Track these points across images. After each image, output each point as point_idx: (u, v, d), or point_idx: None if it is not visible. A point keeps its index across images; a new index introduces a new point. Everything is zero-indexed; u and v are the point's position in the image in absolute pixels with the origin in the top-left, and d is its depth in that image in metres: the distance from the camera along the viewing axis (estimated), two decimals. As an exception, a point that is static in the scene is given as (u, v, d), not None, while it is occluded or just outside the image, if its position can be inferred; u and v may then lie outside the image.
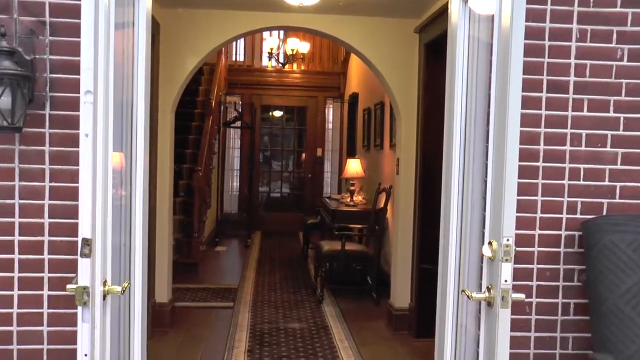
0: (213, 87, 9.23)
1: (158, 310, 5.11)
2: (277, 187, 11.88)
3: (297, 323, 5.51)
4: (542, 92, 2.75)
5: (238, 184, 11.58)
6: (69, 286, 2.08)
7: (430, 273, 5.09)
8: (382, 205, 6.62)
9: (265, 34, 11.27)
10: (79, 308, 2.05)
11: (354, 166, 7.05)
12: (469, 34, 2.72)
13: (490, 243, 2.20)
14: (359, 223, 6.81)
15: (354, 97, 9.78)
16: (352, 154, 10.58)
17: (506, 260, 2.13)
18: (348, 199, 7.19)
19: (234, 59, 11.56)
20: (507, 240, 2.13)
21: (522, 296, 2.26)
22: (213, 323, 5.49)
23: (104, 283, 2.17)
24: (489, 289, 2.22)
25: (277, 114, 11.91)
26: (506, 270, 2.13)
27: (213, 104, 8.85)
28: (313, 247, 8.89)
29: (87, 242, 2.05)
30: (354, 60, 10.18)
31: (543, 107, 2.75)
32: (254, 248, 9.51)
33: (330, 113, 11.64)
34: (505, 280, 2.13)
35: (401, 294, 5.30)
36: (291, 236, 10.86)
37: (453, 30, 2.77)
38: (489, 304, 2.21)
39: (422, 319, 5.06)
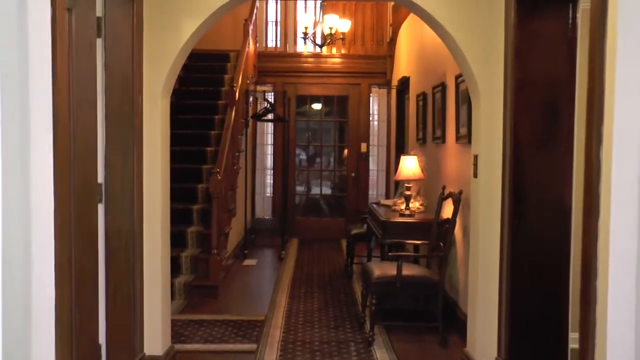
0: (238, 73, 7.87)
1: (149, 368, 3.77)
2: (316, 188, 10.47)
3: (339, 378, 4.09)
4: None
5: (271, 185, 10.21)
6: None
7: (529, 319, 3.62)
8: (447, 215, 5.16)
9: (300, 11, 9.88)
10: None
11: (410, 165, 5.56)
12: None
13: None
14: (417, 238, 5.34)
15: (404, 82, 8.30)
16: (401, 149, 9.10)
17: None
18: (402, 206, 5.72)
19: (264, 44, 10.20)
20: None
21: None
22: (228, 378, 4.13)
23: None
24: None
25: (315, 104, 10.48)
26: None
27: (237, 94, 7.48)
28: (359, 263, 7.45)
29: None
30: (402, 39, 8.70)
31: None
32: (288, 261, 8.12)
33: (375, 102, 10.16)
34: None
35: (484, 342, 3.83)
36: (332, 245, 9.45)
37: None
38: None
39: (517, 383, 3.59)
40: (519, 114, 3.52)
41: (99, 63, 3.39)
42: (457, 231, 5.07)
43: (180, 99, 8.68)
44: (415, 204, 5.72)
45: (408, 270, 4.76)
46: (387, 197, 9.81)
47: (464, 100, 4.90)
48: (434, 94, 6.13)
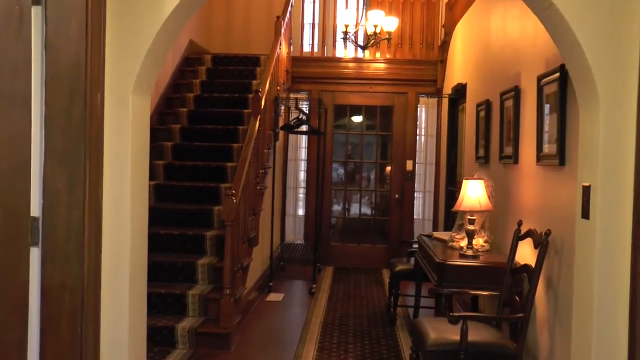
0: (265, 76, 6.77)
1: None
2: (354, 210, 9.25)
3: None
4: None
5: (304, 205, 9.05)
6: None
7: None
8: (523, 259, 3.94)
9: (340, 9, 8.76)
10: None
11: (475, 192, 4.31)
12: None
13: None
14: (483, 286, 4.12)
15: (460, 91, 7.08)
16: (452, 169, 7.88)
17: None
18: (462, 243, 4.50)
19: (299, 49, 9.10)
20: None
21: None
22: None
23: None
24: None
25: (355, 116, 9.31)
26: None
27: (263, 101, 6.37)
28: (404, 305, 6.23)
29: None
30: (457, 41, 7.49)
31: None
32: (320, 296, 6.94)
33: (423, 114, 8.92)
34: None
35: None
36: (371, 276, 8.24)
37: None
38: None
39: None
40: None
41: (36, 43, 2.32)
42: (542, 285, 3.83)
43: (200, 106, 7.64)
44: (478, 241, 4.49)
45: (474, 333, 3.53)
46: (435, 224, 8.57)
47: (552, 108, 3.68)
48: (502, 102, 4.91)
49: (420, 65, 8.65)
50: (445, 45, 8.18)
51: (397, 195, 8.83)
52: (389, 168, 9.09)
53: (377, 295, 7.13)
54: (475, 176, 4.45)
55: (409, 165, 8.81)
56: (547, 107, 3.81)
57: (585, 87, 2.59)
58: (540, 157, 3.93)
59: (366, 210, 9.30)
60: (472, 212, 4.28)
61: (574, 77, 2.69)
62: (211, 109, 7.54)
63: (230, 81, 8.05)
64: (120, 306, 2.63)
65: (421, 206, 8.87)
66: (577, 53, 2.53)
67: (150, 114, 7.27)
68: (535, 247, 3.67)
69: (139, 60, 2.61)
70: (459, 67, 7.27)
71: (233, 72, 8.23)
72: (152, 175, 6.66)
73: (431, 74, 8.59)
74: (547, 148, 3.81)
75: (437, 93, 8.54)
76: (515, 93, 4.51)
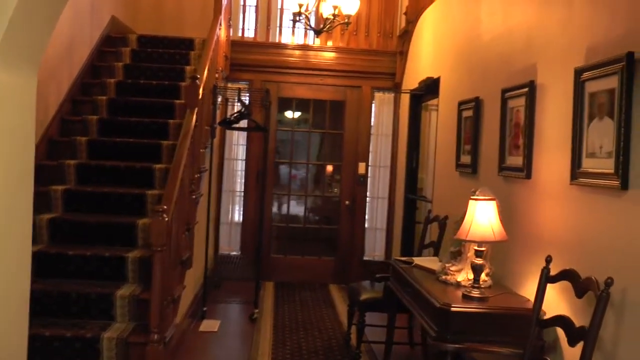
0: (203, 64, 5.63)
1: None
2: (297, 218, 8.20)
3: None
4: None
5: (241, 211, 7.93)
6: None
7: None
8: (551, 308, 3.03)
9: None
10: None
11: (485, 217, 3.28)
12: None
13: None
14: (495, 340, 3.17)
15: (429, 86, 6.14)
16: (411, 174, 6.99)
17: None
18: (459, 277, 3.55)
19: (239, 33, 7.98)
20: None
21: None
22: None
23: None
24: None
25: (302, 113, 8.26)
26: None
27: (201, 92, 5.24)
28: (368, 341, 5.25)
29: None
30: (424, 30, 6.58)
31: None
32: (264, 323, 5.87)
33: (376, 111, 7.95)
34: None
35: None
36: (318, 293, 7.24)
37: None
38: None
39: None
40: None
41: None
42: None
43: (123, 94, 6.39)
44: (483, 276, 3.54)
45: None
46: (389, 234, 7.66)
47: (603, 111, 2.77)
48: (504, 101, 3.99)
49: (377, 57, 7.70)
50: (406, 35, 7.24)
51: (347, 202, 7.85)
52: (329, 167, 8.11)
53: (329, 320, 6.11)
54: (478, 193, 3.49)
55: (361, 168, 7.85)
56: (592, 108, 2.89)
57: None
58: (576, 174, 3.01)
59: (312, 217, 8.27)
60: (481, 243, 3.32)
61: None
62: (136, 97, 6.30)
63: (159, 66, 6.83)
64: None
65: (373, 214, 7.92)
66: None
67: (61, 102, 5.97)
68: (578, 295, 2.75)
69: (6, 10, 1.47)
70: (428, 59, 6.34)
71: (163, 56, 7.02)
72: (61, 179, 5.39)
73: (389, 66, 7.65)
74: (589, 163, 2.89)
75: (395, 88, 7.60)
76: (530, 90, 3.59)
